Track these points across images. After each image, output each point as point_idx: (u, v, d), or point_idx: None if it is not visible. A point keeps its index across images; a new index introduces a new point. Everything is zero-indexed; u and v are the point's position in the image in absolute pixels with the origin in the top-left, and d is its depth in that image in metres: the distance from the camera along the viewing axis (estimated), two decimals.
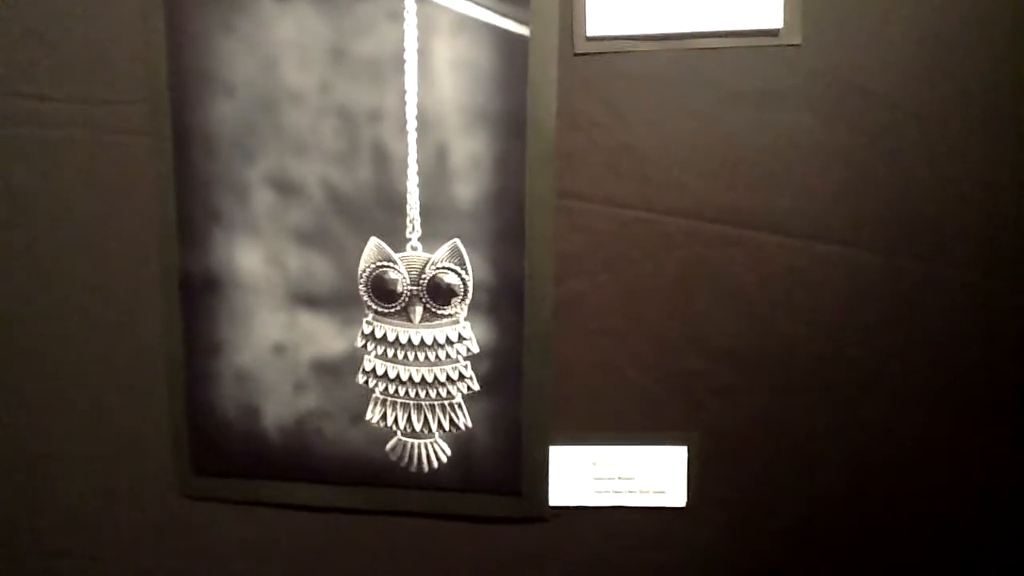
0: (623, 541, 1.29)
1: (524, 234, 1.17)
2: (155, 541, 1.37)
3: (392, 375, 1.23)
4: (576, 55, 1.14)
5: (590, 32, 1.13)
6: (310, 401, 1.27)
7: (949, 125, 1.13)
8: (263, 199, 1.21)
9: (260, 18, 1.16)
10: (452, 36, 1.13)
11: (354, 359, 1.24)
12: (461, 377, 1.22)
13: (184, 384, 1.29)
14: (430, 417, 1.24)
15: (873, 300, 1.18)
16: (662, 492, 1.26)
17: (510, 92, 1.14)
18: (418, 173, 1.17)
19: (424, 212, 1.17)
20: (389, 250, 1.19)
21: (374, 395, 1.25)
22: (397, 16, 1.14)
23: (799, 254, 1.17)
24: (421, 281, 1.19)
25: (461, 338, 1.21)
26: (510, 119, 1.15)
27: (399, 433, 1.26)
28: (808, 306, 1.18)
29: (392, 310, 1.21)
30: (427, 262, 1.19)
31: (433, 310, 1.20)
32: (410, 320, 1.21)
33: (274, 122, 1.19)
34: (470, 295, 1.19)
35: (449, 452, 1.26)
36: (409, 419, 1.25)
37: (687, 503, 1.26)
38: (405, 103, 1.15)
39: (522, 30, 1.12)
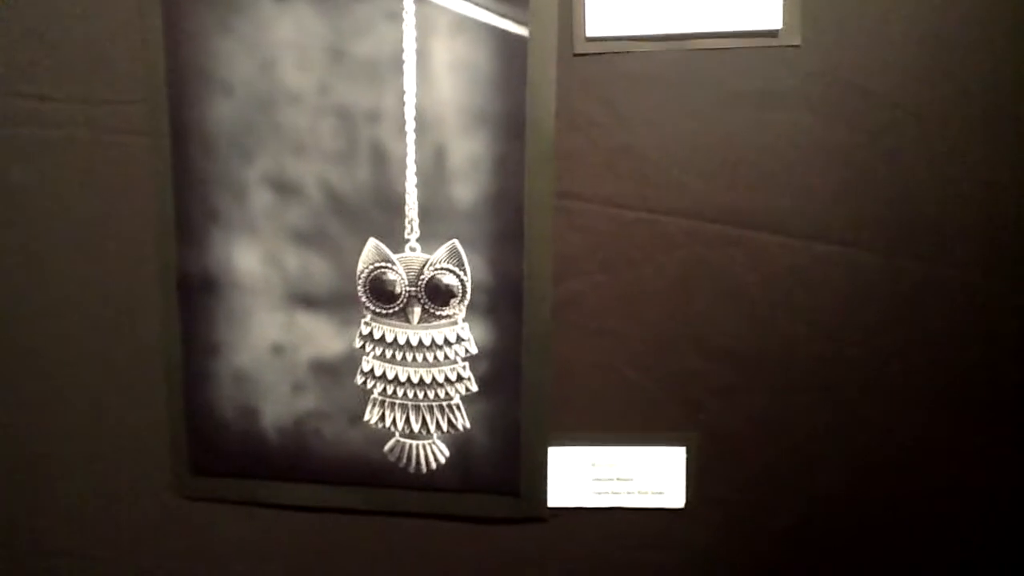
0: (622, 542, 1.29)
1: (523, 235, 1.17)
2: (154, 541, 1.37)
3: (390, 376, 1.23)
4: (575, 56, 1.14)
5: (589, 33, 1.13)
6: (308, 402, 1.26)
7: (949, 125, 1.13)
8: (261, 199, 1.21)
9: (258, 18, 1.16)
10: (451, 37, 1.13)
11: (352, 360, 1.24)
12: (459, 378, 1.22)
13: (182, 384, 1.29)
14: (428, 418, 1.24)
15: (873, 300, 1.17)
16: (661, 493, 1.25)
17: (509, 93, 1.14)
18: (417, 174, 1.17)
19: (423, 213, 1.17)
20: (388, 251, 1.19)
21: (372, 396, 1.25)
22: (396, 16, 1.13)
23: (799, 254, 1.16)
24: (420, 282, 1.19)
25: (459, 339, 1.21)
26: (509, 120, 1.15)
27: (397, 434, 1.26)
28: (808, 306, 1.18)
29: (390, 311, 1.21)
30: (426, 263, 1.18)
31: (431, 311, 1.20)
32: (408, 321, 1.21)
33: (272, 122, 1.19)
34: (468, 296, 1.19)
35: (447, 453, 1.25)
36: (407, 420, 1.24)
37: (686, 504, 1.26)
38: (404, 103, 1.15)
39: (521, 31, 1.12)
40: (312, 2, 1.15)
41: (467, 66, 1.14)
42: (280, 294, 1.23)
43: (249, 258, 1.23)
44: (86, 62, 1.23)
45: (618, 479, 1.25)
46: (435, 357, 1.22)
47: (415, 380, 1.23)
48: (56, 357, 1.33)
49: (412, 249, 1.18)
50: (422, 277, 1.19)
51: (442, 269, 1.18)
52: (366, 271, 1.20)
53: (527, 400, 1.22)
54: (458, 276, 1.18)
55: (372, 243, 1.19)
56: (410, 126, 1.15)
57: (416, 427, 1.24)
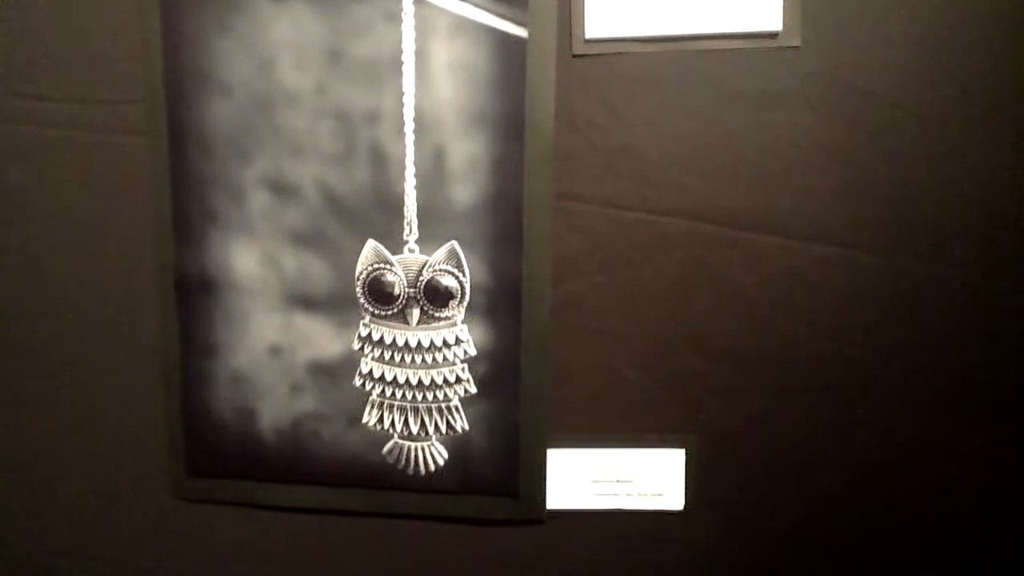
0: (621, 543, 1.28)
1: (522, 236, 1.17)
2: (152, 542, 1.37)
3: (389, 378, 1.23)
4: (574, 57, 1.14)
5: (588, 34, 1.13)
6: (307, 403, 1.26)
7: (949, 125, 1.13)
8: (259, 200, 1.20)
9: (256, 18, 1.16)
10: (450, 38, 1.13)
11: (351, 361, 1.24)
12: (458, 380, 1.22)
13: (180, 385, 1.29)
14: (427, 420, 1.24)
15: (873, 300, 1.17)
16: (660, 495, 1.25)
17: (508, 94, 1.14)
18: (416, 175, 1.16)
19: (422, 214, 1.17)
20: (386, 252, 1.18)
21: (371, 398, 1.24)
22: (395, 17, 1.13)
23: (798, 254, 1.16)
24: (418, 283, 1.19)
25: (458, 340, 1.21)
26: (508, 121, 1.14)
27: (396, 436, 1.25)
28: (808, 306, 1.18)
29: (389, 312, 1.21)
30: (424, 264, 1.18)
31: (430, 312, 1.20)
32: (407, 322, 1.21)
33: (271, 123, 1.18)
34: (468, 297, 1.19)
35: (446, 455, 1.25)
36: (406, 422, 1.24)
37: (685, 505, 1.26)
38: (403, 105, 1.15)
39: (520, 32, 1.12)
40: (310, 3, 1.14)
41: (466, 67, 1.13)
42: (278, 295, 1.23)
43: (247, 259, 1.22)
44: (84, 62, 1.22)
45: (617, 481, 1.25)
46: (434, 359, 1.21)
47: (414, 382, 1.22)
48: (53, 357, 1.32)
49: (411, 250, 1.18)
50: (421, 278, 1.18)
51: (441, 271, 1.18)
52: (365, 272, 1.19)
53: (526, 402, 1.22)
54: (457, 278, 1.18)
55: (371, 244, 1.18)
56: (409, 127, 1.15)
57: (415, 429, 1.24)
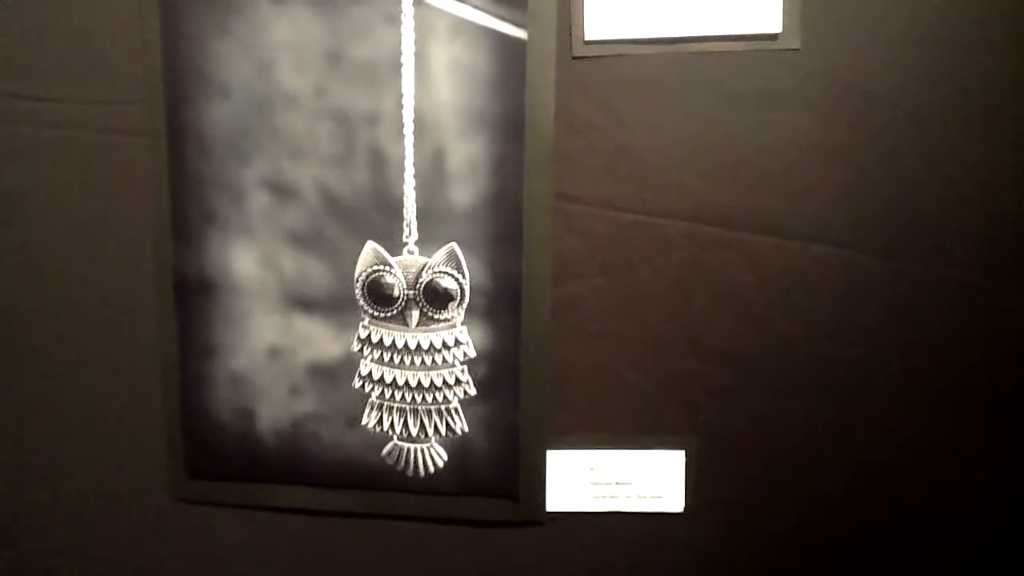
0: (621, 545, 1.28)
1: (522, 237, 1.17)
2: (152, 543, 1.37)
3: (388, 379, 1.23)
4: (574, 59, 1.14)
5: (588, 36, 1.13)
6: (306, 405, 1.26)
7: (949, 125, 1.12)
8: (258, 201, 1.20)
9: (256, 20, 1.16)
10: (449, 39, 1.13)
11: (350, 363, 1.24)
12: (458, 381, 1.22)
13: (179, 386, 1.29)
14: (426, 422, 1.24)
15: (872, 301, 1.17)
16: (659, 497, 1.25)
17: (508, 95, 1.14)
18: (415, 176, 1.16)
19: (421, 216, 1.17)
20: (385, 254, 1.18)
21: (370, 399, 1.24)
22: (394, 19, 1.13)
23: (798, 255, 1.16)
24: (418, 285, 1.19)
25: (458, 342, 1.20)
26: (508, 122, 1.14)
27: (395, 437, 1.25)
28: (807, 307, 1.18)
29: (388, 314, 1.20)
30: (424, 266, 1.18)
31: (430, 314, 1.20)
32: (406, 324, 1.21)
33: (270, 124, 1.18)
34: (467, 299, 1.19)
35: (445, 456, 1.25)
36: (405, 423, 1.24)
37: (685, 507, 1.26)
38: (402, 106, 1.15)
39: (520, 34, 1.12)
40: (310, 4, 1.14)
41: (466, 69, 1.13)
42: (277, 297, 1.23)
43: (246, 260, 1.22)
44: (83, 63, 1.22)
45: (617, 483, 1.25)
46: (433, 360, 1.21)
47: (413, 384, 1.22)
48: (52, 358, 1.32)
49: (410, 252, 1.18)
50: (420, 280, 1.18)
51: (440, 272, 1.18)
52: (364, 274, 1.19)
53: (526, 403, 1.22)
54: (456, 279, 1.18)
55: (370, 246, 1.18)
56: (408, 129, 1.15)
57: (414, 431, 1.24)
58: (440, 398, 1.23)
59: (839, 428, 1.21)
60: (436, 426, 1.24)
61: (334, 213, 1.19)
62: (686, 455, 1.24)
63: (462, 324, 1.20)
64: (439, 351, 1.21)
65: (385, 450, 1.26)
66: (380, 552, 1.32)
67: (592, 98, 1.15)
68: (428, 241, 1.18)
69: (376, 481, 1.27)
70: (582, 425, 1.24)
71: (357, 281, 1.20)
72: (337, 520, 1.31)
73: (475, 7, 1.11)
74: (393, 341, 1.21)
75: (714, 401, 1.22)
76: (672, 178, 1.15)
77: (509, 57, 1.13)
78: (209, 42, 1.18)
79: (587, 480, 1.25)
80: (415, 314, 1.20)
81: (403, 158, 1.16)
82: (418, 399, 1.23)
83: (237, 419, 1.28)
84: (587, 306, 1.20)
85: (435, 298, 1.19)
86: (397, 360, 1.22)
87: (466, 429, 1.24)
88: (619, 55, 1.13)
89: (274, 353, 1.25)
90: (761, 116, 1.13)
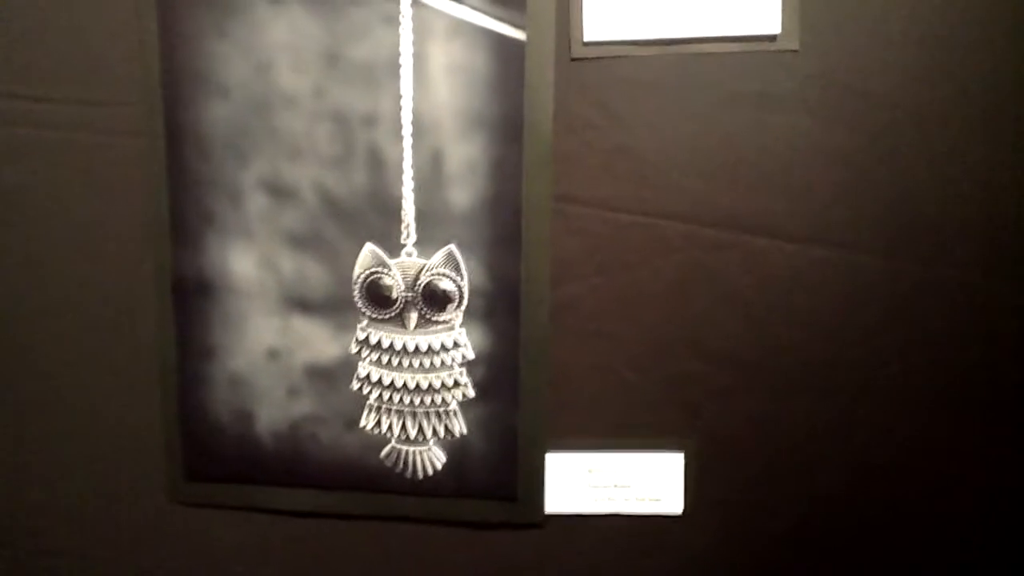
0: (619, 548, 1.28)
1: (520, 238, 1.17)
2: (152, 543, 1.37)
3: (387, 382, 1.23)
4: (573, 60, 1.13)
5: (587, 37, 1.12)
6: (304, 407, 1.26)
7: (948, 126, 1.12)
8: (257, 202, 1.20)
9: (254, 21, 1.16)
10: (448, 40, 1.13)
11: (348, 365, 1.23)
12: (456, 384, 1.22)
13: (177, 388, 1.29)
14: (425, 424, 1.24)
15: (872, 302, 1.17)
16: (658, 499, 1.25)
17: (506, 96, 1.13)
18: (413, 178, 1.16)
19: (419, 217, 1.17)
20: (384, 256, 1.18)
21: (368, 402, 1.24)
22: (393, 20, 1.13)
23: (797, 257, 1.16)
24: (416, 287, 1.19)
25: (456, 344, 1.20)
26: (506, 123, 1.14)
27: (394, 440, 1.25)
28: (806, 308, 1.18)
29: (387, 316, 1.20)
30: (422, 268, 1.18)
31: (428, 316, 1.20)
32: (405, 326, 1.21)
33: (268, 125, 1.18)
34: (465, 301, 1.19)
35: (444, 459, 1.25)
36: (404, 426, 1.24)
37: (684, 510, 1.26)
38: (401, 107, 1.15)
39: (518, 35, 1.11)
40: (308, 5, 1.14)
41: (464, 70, 1.13)
42: (275, 298, 1.22)
43: (244, 262, 1.22)
44: (81, 64, 1.22)
45: (616, 485, 1.25)
46: (432, 363, 1.21)
47: (411, 386, 1.22)
48: (51, 359, 1.32)
49: (409, 254, 1.18)
50: (419, 282, 1.18)
51: (439, 274, 1.17)
52: (362, 276, 1.19)
53: (524, 405, 1.22)
54: (455, 281, 1.18)
55: (368, 248, 1.18)
56: (407, 130, 1.15)
57: (413, 433, 1.24)
58: (439, 400, 1.23)
59: (839, 429, 1.21)
60: (435, 428, 1.24)
61: (332, 214, 1.19)
62: (685, 457, 1.24)
63: (461, 326, 1.20)
64: (437, 353, 1.21)
65: (383, 452, 1.26)
66: (378, 554, 1.32)
67: (591, 99, 1.15)
68: (427, 243, 1.18)
69: (374, 483, 1.27)
70: (581, 427, 1.24)
71: (355, 283, 1.20)
72: (335, 522, 1.31)
73: (473, 8, 1.11)
74: (391, 343, 1.21)
75: (713, 402, 1.22)
76: (671, 179, 1.15)
77: (508, 58, 1.12)
78: (207, 43, 1.17)
79: (586, 482, 1.25)
80: (413, 316, 1.20)
81: (401, 159, 1.16)
82: (416, 401, 1.23)
83: (235, 421, 1.28)
84: (586, 307, 1.20)
85: (434, 300, 1.19)
86: (395, 362, 1.22)
87: (464, 431, 1.24)
88: (618, 56, 1.13)
89: (272, 355, 1.25)
90: (760, 117, 1.13)
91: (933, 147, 1.13)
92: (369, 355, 1.22)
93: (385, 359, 1.22)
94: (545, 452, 1.24)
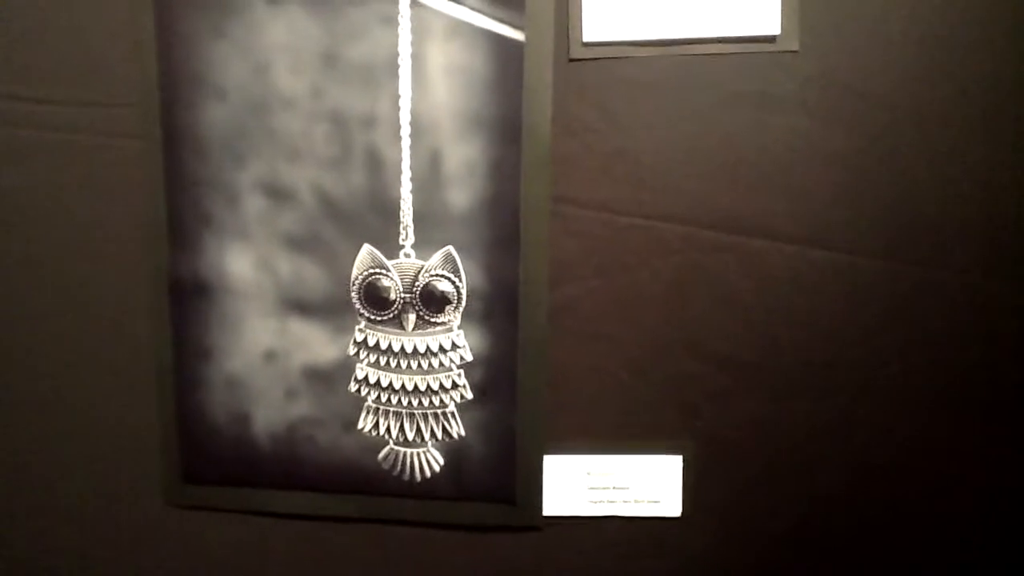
0: (618, 550, 1.28)
1: (519, 240, 1.16)
2: (151, 543, 1.37)
3: (385, 383, 1.22)
4: (571, 61, 1.13)
5: (586, 38, 1.12)
6: (302, 408, 1.26)
7: (948, 126, 1.12)
8: (254, 204, 1.20)
9: (252, 21, 1.15)
10: (446, 41, 1.12)
11: (346, 367, 1.23)
12: (454, 385, 1.22)
13: (174, 390, 1.28)
14: (423, 426, 1.24)
15: (872, 303, 1.17)
16: (657, 502, 1.25)
17: (505, 97, 1.13)
18: (412, 179, 1.16)
19: (418, 219, 1.17)
20: (382, 257, 1.18)
21: (366, 403, 1.24)
22: (391, 20, 1.12)
23: (796, 258, 1.16)
24: (414, 289, 1.18)
25: (455, 346, 1.20)
26: (505, 124, 1.14)
27: (392, 442, 1.25)
28: (805, 310, 1.18)
29: (385, 318, 1.20)
30: (420, 269, 1.18)
31: (426, 318, 1.19)
32: (403, 328, 1.20)
33: (266, 126, 1.18)
34: (464, 303, 1.19)
35: (442, 461, 1.25)
36: (402, 428, 1.24)
37: (682, 512, 1.25)
38: (399, 108, 1.14)
39: (517, 35, 1.11)
40: (306, 6, 1.14)
41: (463, 71, 1.13)
42: (273, 300, 1.22)
43: (242, 263, 1.22)
44: (78, 65, 1.22)
45: (614, 487, 1.25)
46: (430, 364, 1.21)
47: (409, 387, 1.22)
48: (49, 360, 1.32)
49: (407, 255, 1.18)
50: (417, 284, 1.18)
51: (437, 276, 1.17)
52: (360, 277, 1.19)
53: (523, 407, 1.22)
54: (453, 283, 1.17)
55: (366, 249, 1.18)
56: (405, 131, 1.15)
57: (410, 435, 1.24)
58: (436, 402, 1.22)
59: (839, 429, 1.21)
60: (432, 430, 1.23)
61: (330, 216, 1.18)
62: (684, 459, 1.23)
63: (459, 328, 1.20)
64: (435, 355, 1.21)
65: (381, 454, 1.25)
66: (376, 557, 1.32)
67: (589, 100, 1.14)
68: (425, 244, 1.17)
69: (372, 485, 1.27)
70: (579, 429, 1.24)
71: (353, 284, 1.19)
72: (333, 524, 1.31)
73: (472, 8, 1.11)
74: (389, 345, 1.21)
75: (712, 404, 1.22)
76: (669, 180, 1.15)
77: (506, 59, 1.12)
78: (204, 44, 1.17)
79: (584, 484, 1.25)
80: (411, 318, 1.20)
81: (400, 160, 1.15)
82: (414, 403, 1.23)
83: (232, 422, 1.27)
84: (584, 309, 1.20)
85: (431, 301, 1.18)
86: (393, 364, 1.22)
87: (463, 433, 1.23)
88: (617, 57, 1.13)
89: (270, 356, 1.24)
90: (759, 118, 1.13)
91: (933, 147, 1.13)
92: (367, 356, 1.22)
93: (383, 361, 1.22)
94: (543, 454, 1.24)
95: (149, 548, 1.37)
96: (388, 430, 1.24)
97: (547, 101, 1.13)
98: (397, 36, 1.13)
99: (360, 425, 1.25)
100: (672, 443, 1.23)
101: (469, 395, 1.22)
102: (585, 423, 1.24)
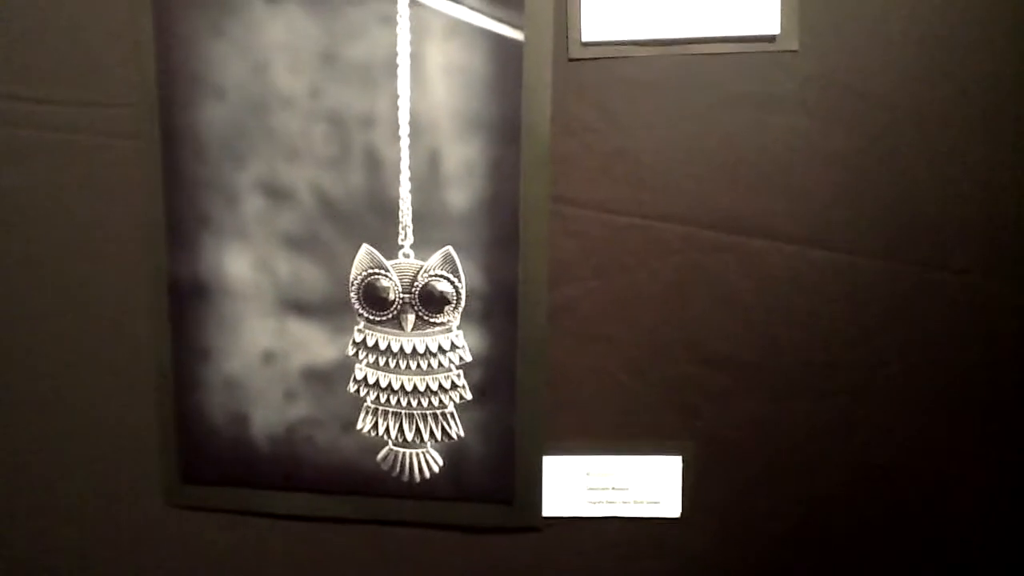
0: (617, 551, 1.28)
1: (518, 240, 1.16)
2: (151, 544, 1.37)
3: (384, 384, 1.22)
4: (571, 60, 1.13)
5: (585, 37, 1.12)
6: (300, 409, 1.26)
7: (948, 126, 1.12)
8: (253, 204, 1.20)
9: (250, 21, 1.15)
10: (445, 40, 1.12)
11: (345, 367, 1.23)
12: (453, 386, 1.21)
13: (173, 390, 1.28)
14: (422, 427, 1.23)
15: (871, 303, 1.17)
16: (656, 502, 1.25)
17: (504, 97, 1.13)
18: (411, 179, 1.16)
19: (417, 219, 1.16)
20: (381, 257, 1.18)
21: (365, 404, 1.24)
22: (389, 20, 1.12)
23: (796, 258, 1.16)
24: (413, 289, 1.18)
25: (454, 346, 1.20)
26: (504, 124, 1.14)
27: (391, 443, 1.25)
28: (806, 310, 1.18)
29: (384, 318, 1.20)
30: (419, 269, 1.17)
31: (425, 318, 1.19)
32: (402, 328, 1.20)
33: (264, 126, 1.17)
34: (463, 303, 1.18)
35: (441, 462, 1.25)
36: (401, 428, 1.24)
37: (682, 513, 1.25)
38: (398, 108, 1.14)
39: (516, 35, 1.11)
40: (304, 5, 1.14)
41: (462, 70, 1.13)
42: (272, 300, 1.22)
43: (240, 264, 1.22)
44: (76, 65, 1.22)
45: (613, 488, 1.25)
46: (429, 365, 1.21)
47: (408, 388, 1.22)
48: (48, 360, 1.32)
49: (406, 255, 1.17)
50: (416, 284, 1.18)
51: (436, 276, 1.17)
52: (359, 278, 1.19)
53: (522, 408, 1.22)
54: (452, 283, 1.17)
55: (365, 249, 1.18)
56: (404, 131, 1.14)
57: (409, 435, 1.24)
58: (436, 403, 1.22)
59: (838, 430, 1.21)
60: (431, 431, 1.23)
61: (329, 216, 1.18)
62: (683, 459, 1.23)
63: (458, 328, 1.19)
64: (435, 355, 1.20)
65: (380, 455, 1.25)
66: (375, 558, 1.32)
67: (589, 100, 1.14)
68: (424, 244, 1.17)
69: (371, 486, 1.27)
70: (578, 430, 1.24)
71: (352, 285, 1.19)
72: (332, 525, 1.31)
73: (471, 8, 1.11)
74: (388, 345, 1.21)
75: (712, 405, 1.22)
76: (669, 181, 1.15)
77: (505, 59, 1.12)
78: (203, 44, 1.17)
79: (583, 485, 1.25)
80: (410, 318, 1.19)
81: (399, 160, 1.15)
82: (413, 403, 1.23)
83: (231, 423, 1.27)
84: (583, 309, 1.20)
85: (431, 302, 1.18)
86: (392, 364, 1.21)
87: (461, 434, 1.23)
88: (616, 57, 1.13)
89: (268, 357, 1.24)
90: (759, 118, 1.13)
91: (933, 147, 1.13)
92: (366, 357, 1.22)
93: (382, 361, 1.22)
94: (543, 455, 1.24)
95: (148, 548, 1.37)
96: (387, 431, 1.24)
97: (546, 101, 1.13)
98: (396, 36, 1.12)
99: (359, 426, 1.24)
100: (672, 444, 1.23)
101: (468, 395, 1.21)
102: (584, 423, 1.24)
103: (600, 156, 1.15)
